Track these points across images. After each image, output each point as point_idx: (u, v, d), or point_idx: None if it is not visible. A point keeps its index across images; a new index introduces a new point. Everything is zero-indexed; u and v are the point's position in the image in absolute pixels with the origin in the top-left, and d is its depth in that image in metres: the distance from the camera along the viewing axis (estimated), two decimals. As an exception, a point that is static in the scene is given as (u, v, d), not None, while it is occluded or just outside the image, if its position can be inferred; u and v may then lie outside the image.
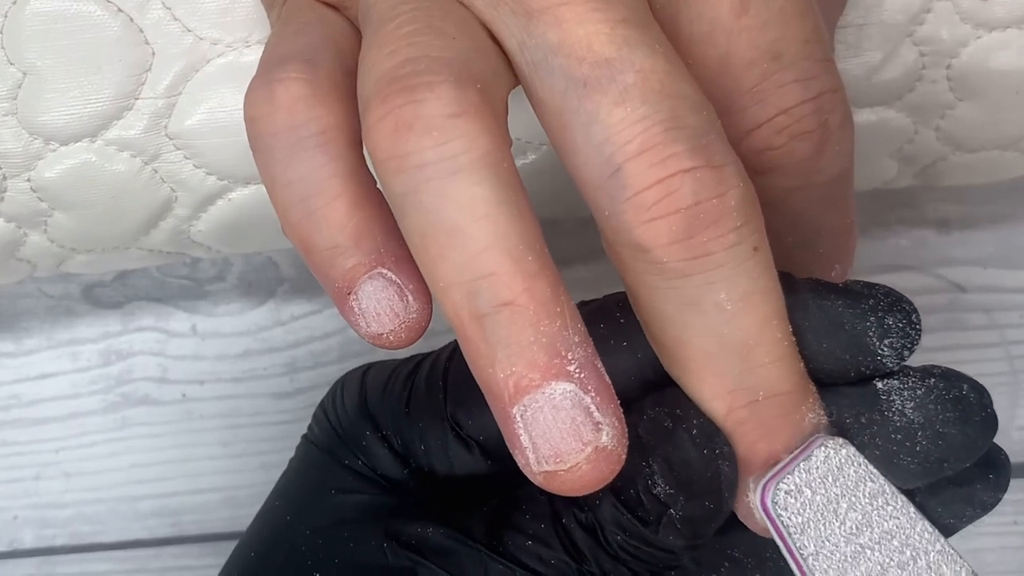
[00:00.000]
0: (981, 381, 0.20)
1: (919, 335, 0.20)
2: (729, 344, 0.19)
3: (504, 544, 0.22)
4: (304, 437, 0.26)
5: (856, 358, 0.20)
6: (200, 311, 0.39)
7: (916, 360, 0.20)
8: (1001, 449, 0.21)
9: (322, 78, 0.20)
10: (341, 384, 0.26)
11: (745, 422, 0.19)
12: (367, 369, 0.26)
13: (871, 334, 0.20)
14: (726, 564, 0.22)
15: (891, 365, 0.20)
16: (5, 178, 0.28)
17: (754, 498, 0.20)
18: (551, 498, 0.21)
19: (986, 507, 0.21)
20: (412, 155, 0.18)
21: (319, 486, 0.25)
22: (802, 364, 0.20)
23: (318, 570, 0.23)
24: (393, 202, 0.19)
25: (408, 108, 0.18)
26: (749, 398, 0.19)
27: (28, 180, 0.28)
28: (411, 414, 0.24)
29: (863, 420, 0.20)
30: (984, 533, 0.24)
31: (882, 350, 0.20)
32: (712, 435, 0.20)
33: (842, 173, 0.22)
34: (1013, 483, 0.21)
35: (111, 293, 0.39)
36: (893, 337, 0.20)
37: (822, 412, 0.20)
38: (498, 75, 0.19)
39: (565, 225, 0.34)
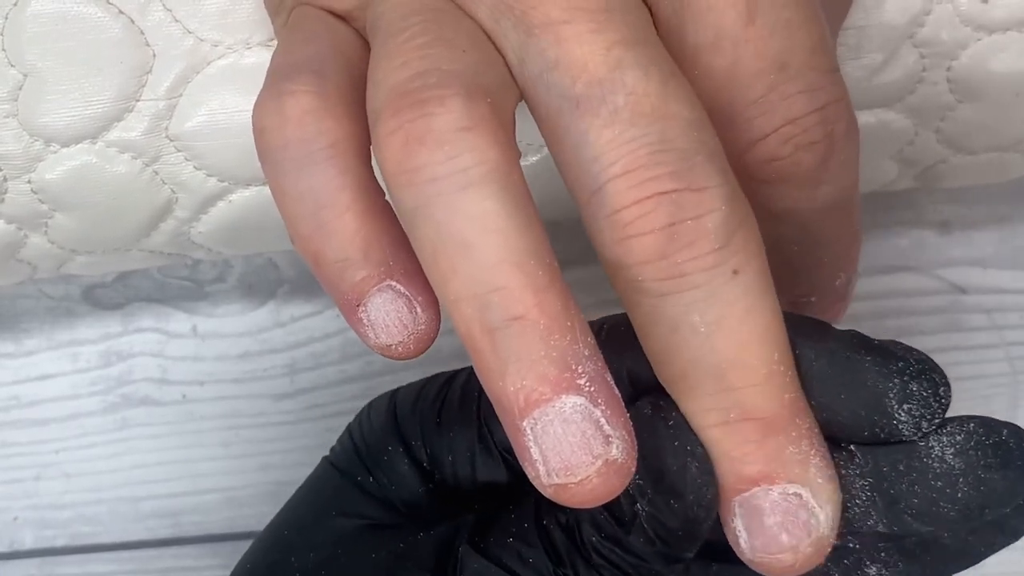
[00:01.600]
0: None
1: (943, 409, 0.20)
2: (703, 365, 0.19)
3: (487, 541, 0.22)
4: (324, 458, 0.26)
5: (872, 417, 0.20)
6: (200, 312, 0.39)
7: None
8: None
9: (331, 90, 0.20)
10: (369, 406, 0.26)
11: (718, 441, 0.19)
12: (396, 391, 0.26)
13: (891, 396, 0.19)
14: None
15: (906, 432, 0.20)
16: (6, 180, 0.28)
17: None
18: (538, 496, 0.21)
19: (1017, 534, 0.20)
20: (423, 169, 0.18)
21: (324, 508, 0.25)
22: (793, 395, 0.19)
23: None
24: (403, 215, 0.19)
25: (419, 122, 0.18)
26: (722, 418, 0.19)
27: (29, 182, 0.28)
28: (442, 424, 0.24)
29: (901, 468, 0.20)
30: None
31: (899, 415, 0.19)
32: (687, 431, 0.20)
33: (847, 182, 0.22)
34: (1014, 486, 0.21)
35: (111, 294, 0.39)
36: (913, 404, 0.19)
37: (812, 450, 0.19)
38: (506, 88, 0.19)
39: (564, 226, 0.34)
